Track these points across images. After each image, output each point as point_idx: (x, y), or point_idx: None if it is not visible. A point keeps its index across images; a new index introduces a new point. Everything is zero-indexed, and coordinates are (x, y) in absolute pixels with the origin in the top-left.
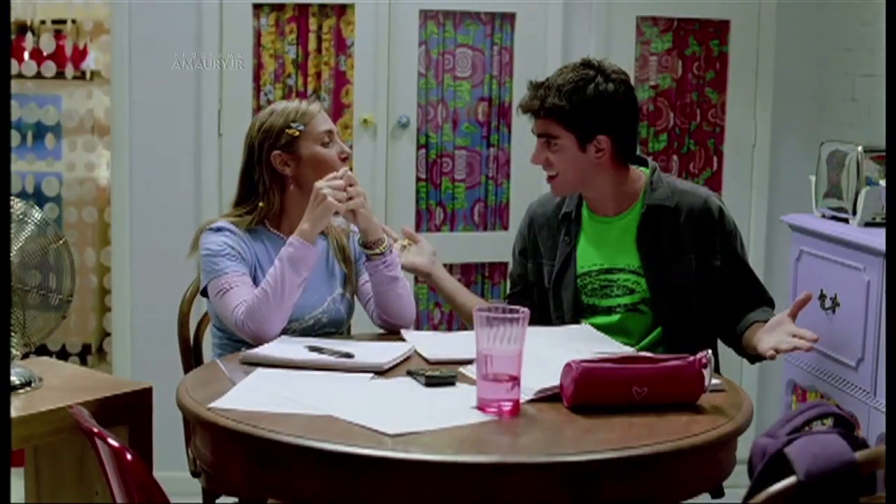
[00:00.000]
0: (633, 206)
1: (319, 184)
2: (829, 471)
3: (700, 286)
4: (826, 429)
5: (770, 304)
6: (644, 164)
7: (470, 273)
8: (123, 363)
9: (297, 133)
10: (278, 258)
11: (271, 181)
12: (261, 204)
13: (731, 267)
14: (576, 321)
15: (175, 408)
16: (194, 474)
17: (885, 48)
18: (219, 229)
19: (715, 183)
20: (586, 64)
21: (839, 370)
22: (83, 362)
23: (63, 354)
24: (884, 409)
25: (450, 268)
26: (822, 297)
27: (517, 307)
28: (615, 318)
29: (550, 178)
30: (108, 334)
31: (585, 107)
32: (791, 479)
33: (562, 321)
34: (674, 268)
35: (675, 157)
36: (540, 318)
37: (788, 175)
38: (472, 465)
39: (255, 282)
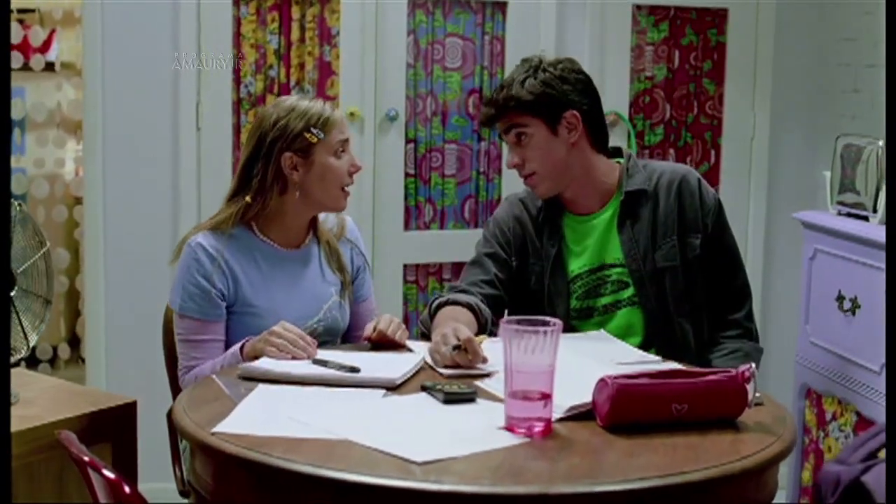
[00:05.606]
0: (613, 198)
1: (274, 339)
2: None
3: (683, 267)
4: None
5: (742, 298)
6: (620, 155)
7: (460, 273)
8: (98, 370)
9: (316, 140)
10: (224, 355)
11: (273, 180)
12: (247, 199)
13: (710, 244)
14: (570, 327)
15: (156, 418)
16: (183, 494)
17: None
18: (199, 246)
19: (712, 177)
20: (526, 60)
21: (861, 374)
22: (53, 367)
23: (32, 360)
24: None
25: (439, 267)
26: (839, 298)
27: (549, 318)
28: (619, 319)
29: (529, 178)
30: (79, 340)
31: (543, 88)
32: None
33: None
34: (657, 252)
35: (671, 151)
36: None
37: (788, 169)
38: (511, 496)
39: (229, 301)
